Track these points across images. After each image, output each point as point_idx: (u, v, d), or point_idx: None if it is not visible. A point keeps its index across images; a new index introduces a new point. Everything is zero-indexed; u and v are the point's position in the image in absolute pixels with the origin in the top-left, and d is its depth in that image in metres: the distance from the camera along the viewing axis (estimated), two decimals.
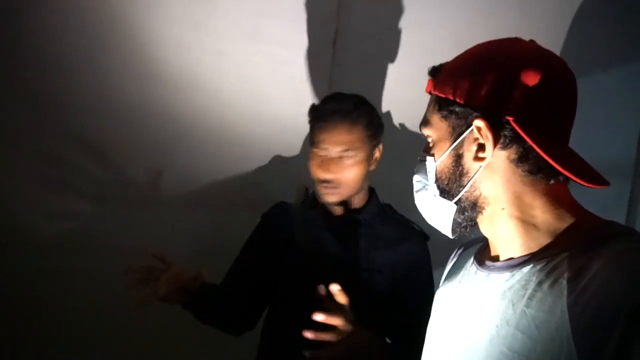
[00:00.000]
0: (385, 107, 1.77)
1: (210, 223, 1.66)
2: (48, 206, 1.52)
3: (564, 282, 0.62)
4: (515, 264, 0.70)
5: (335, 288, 1.02)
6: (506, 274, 0.71)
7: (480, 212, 0.75)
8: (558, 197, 0.71)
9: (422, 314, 1.22)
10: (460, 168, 0.74)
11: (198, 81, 1.61)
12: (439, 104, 0.76)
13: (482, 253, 0.82)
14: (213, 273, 1.42)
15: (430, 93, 0.80)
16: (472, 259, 0.83)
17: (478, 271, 0.78)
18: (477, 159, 0.72)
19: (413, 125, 1.79)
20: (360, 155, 1.23)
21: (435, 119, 0.77)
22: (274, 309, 1.34)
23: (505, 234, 0.73)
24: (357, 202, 1.31)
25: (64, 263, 1.50)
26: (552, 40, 1.77)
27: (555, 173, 0.69)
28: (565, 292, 0.61)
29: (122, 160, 1.57)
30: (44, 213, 1.51)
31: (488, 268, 0.76)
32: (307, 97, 1.68)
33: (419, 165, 0.81)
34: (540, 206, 0.70)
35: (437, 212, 0.80)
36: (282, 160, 1.70)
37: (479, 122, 0.70)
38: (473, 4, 1.77)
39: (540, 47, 0.74)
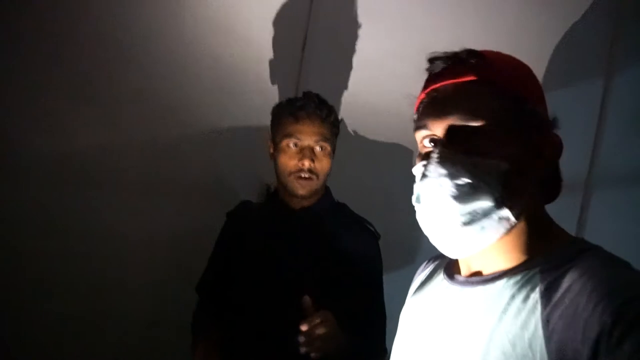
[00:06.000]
0: (350, 112, 1.79)
1: (172, 214, 1.66)
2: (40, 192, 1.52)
3: (537, 296, 0.61)
4: (488, 279, 0.68)
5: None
6: (479, 289, 0.68)
7: None
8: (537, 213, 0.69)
9: (373, 308, 1.27)
10: (525, 179, 0.66)
11: (167, 72, 1.60)
12: (516, 100, 0.66)
13: (453, 267, 0.78)
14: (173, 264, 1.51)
15: (475, 79, 0.66)
16: (442, 273, 0.79)
17: (450, 285, 0.75)
18: (540, 171, 0.67)
19: (377, 130, 1.82)
20: (328, 148, 1.31)
21: (509, 115, 0.65)
22: (237, 303, 1.34)
23: (487, 251, 0.68)
24: (315, 199, 1.35)
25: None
26: None
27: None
28: (539, 306, 0.60)
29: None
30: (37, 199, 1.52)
31: (460, 283, 0.73)
32: (273, 98, 1.69)
33: (473, 166, 0.64)
34: (520, 222, 0.67)
35: (479, 227, 0.65)
36: (247, 158, 1.70)
37: (555, 135, 0.67)
38: (440, 11, 1.81)
39: None
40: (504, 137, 0.64)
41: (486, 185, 0.63)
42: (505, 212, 0.64)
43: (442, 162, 0.65)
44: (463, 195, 0.64)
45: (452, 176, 0.64)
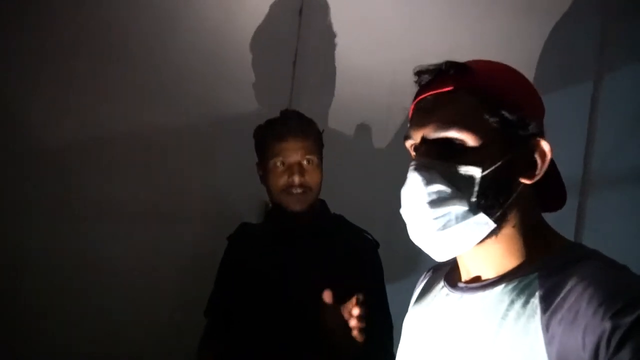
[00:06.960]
0: (342, 126, 1.80)
1: (168, 235, 1.65)
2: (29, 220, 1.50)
3: (536, 302, 0.61)
4: (487, 284, 0.69)
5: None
6: (478, 295, 0.69)
7: None
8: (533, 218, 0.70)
9: (379, 315, 1.25)
10: (506, 184, 0.66)
11: (159, 97, 1.61)
12: (494, 106, 0.66)
13: (452, 275, 0.79)
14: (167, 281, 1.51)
15: (452, 89, 0.67)
16: (442, 282, 0.80)
17: (450, 293, 0.76)
18: (525, 176, 0.67)
19: (370, 143, 1.83)
20: (316, 161, 1.32)
21: (485, 121, 0.66)
22: (245, 325, 1.32)
23: (480, 254, 0.70)
24: (312, 214, 1.34)
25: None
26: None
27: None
28: (538, 310, 0.60)
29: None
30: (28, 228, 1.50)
31: (461, 290, 0.74)
32: (267, 115, 1.69)
33: (448, 172, 0.66)
34: (510, 227, 0.68)
35: (455, 231, 0.67)
36: (242, 176, 1.68)
37: (543, 141, 0.67)
38: (428, 22, 1.84)
39: None
40: (480, 142, 0.65)
41: (460, 191, 0.65)
42: (482, 217, 0.65)
43: (418, 169, 0.67)
44: (437, 201, 0.66)
45: (426, 182, 0.66)
